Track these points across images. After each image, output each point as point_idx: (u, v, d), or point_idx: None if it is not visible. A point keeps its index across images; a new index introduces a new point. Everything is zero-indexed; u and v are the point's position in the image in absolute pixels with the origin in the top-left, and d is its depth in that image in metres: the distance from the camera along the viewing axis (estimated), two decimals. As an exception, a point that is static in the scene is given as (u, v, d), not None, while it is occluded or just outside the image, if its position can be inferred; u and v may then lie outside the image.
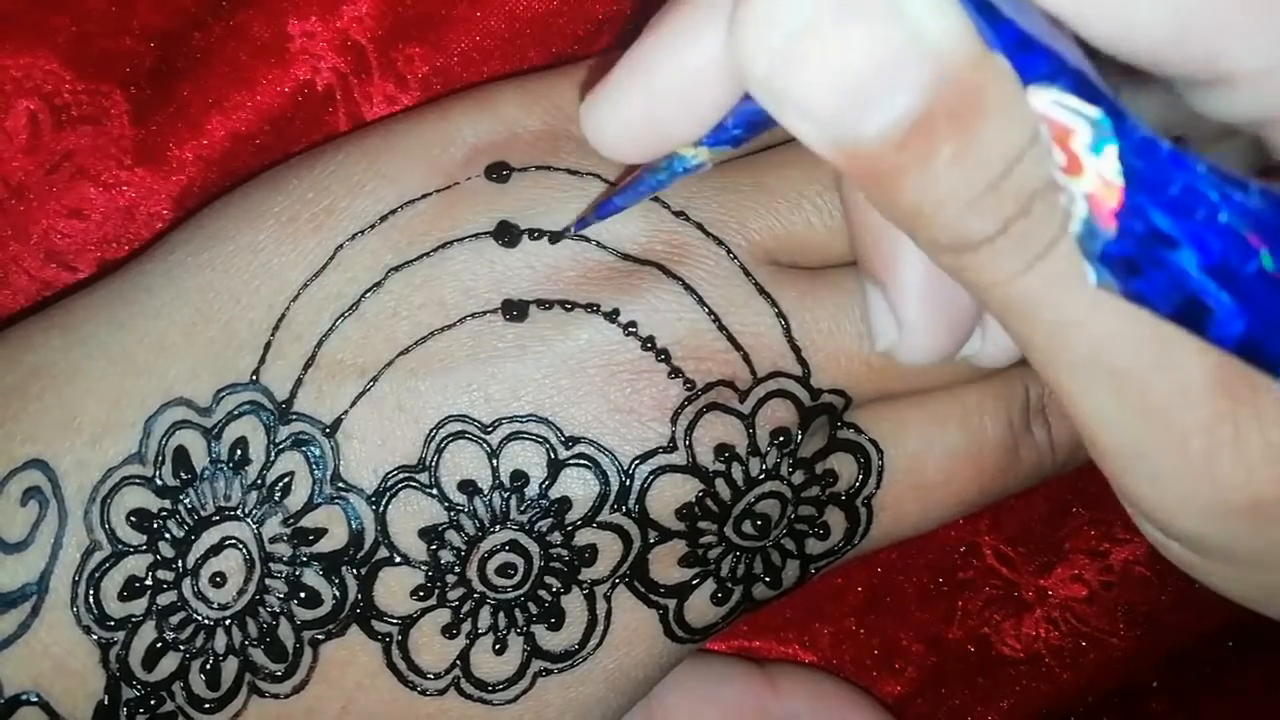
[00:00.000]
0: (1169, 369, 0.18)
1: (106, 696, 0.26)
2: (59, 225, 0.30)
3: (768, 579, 0.28)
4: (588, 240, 0.27)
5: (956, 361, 0.26)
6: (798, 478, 0.27)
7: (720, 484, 0.27)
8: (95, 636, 0.25)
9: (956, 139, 0.17)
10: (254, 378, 0.26)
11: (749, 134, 0.22)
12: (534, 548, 0.26)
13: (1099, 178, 0.16)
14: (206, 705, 0.26)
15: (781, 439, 0.27)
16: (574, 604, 0.27)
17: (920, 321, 0.24)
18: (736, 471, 0.27)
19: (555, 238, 0.27)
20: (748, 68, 0.18)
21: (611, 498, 0.26)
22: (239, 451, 0.26)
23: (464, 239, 0.27)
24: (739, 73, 0.18)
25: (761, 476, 0.27)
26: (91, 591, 0.25)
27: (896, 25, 0.17)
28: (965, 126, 0.17)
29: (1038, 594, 0.37)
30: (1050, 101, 0.16)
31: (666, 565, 0.27)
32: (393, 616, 0.26)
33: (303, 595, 0.26)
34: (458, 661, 0.27)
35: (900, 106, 0.17)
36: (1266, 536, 0.19)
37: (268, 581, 0.26)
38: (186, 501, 0.26)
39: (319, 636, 0.26)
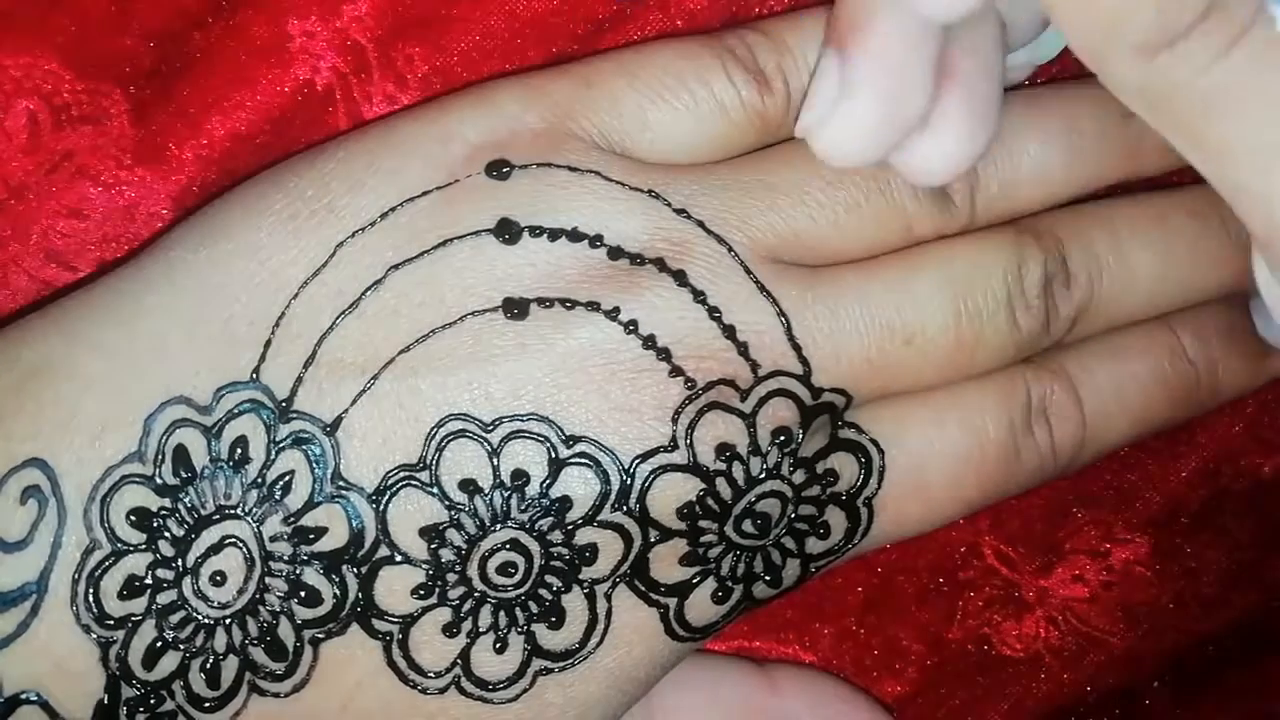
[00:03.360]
0: None
1: (106, 696, 0.26)
2: (59, 225, 0.30)
3: (768, 578, 0.28)
4: (589, 238, 0.27)
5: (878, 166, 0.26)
6: (799, 477, 0.27)
7: (721, 483, 0.27)
8: (95, 635, 0.25)
9: None
10: (254, 376, 0.26)
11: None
12: (535, 546, 0.26)
13: None
14: (206, 704, 0.26)
15: (783, 438, 0.27)
16: (574, 603, 0.27)
17: (866, 92, 0.24)
18: (737, 470, 0.27)
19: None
20: None
21: (612, 497, 0.26)
22: (239, 450, 0.26)
23: (465, 236, 0.26)
24: None
25: (762, 476, 0.27)
26: (91, 590, 0.25)
27: None
28: None
29: (1038, 594, 0.37)
30: None
31: (667, 564, 0.27)
32: (393, 615, 0.26)
33: (303, 594, 0.26)
34: (458, 660, 0.27)
35: None
36: None
37: (268, 580, 0.26)
38: (186, 500, 0.26)
39: (319, 635, 0.26)
